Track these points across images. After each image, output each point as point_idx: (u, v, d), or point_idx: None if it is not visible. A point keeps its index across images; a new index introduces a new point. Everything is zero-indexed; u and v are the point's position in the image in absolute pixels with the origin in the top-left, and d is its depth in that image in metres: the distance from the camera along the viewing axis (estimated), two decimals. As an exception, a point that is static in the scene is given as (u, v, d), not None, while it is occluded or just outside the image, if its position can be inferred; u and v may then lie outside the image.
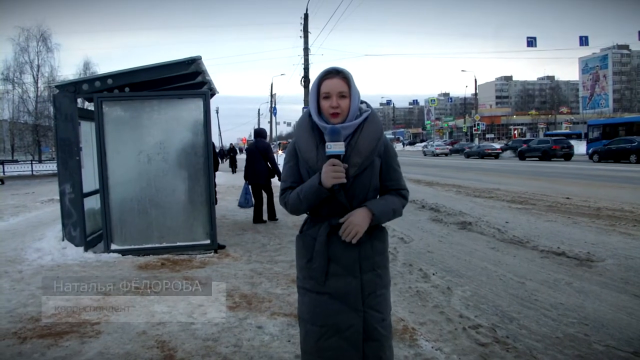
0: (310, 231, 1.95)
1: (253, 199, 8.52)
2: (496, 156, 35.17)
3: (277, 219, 8.56)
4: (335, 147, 1.80)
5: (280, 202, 2.02)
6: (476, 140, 52.14)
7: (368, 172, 1.88)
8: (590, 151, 27.08)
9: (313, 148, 1.88)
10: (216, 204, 6.44)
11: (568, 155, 28.37)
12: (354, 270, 1.89)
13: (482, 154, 36.12)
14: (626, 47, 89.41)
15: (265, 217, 8.57)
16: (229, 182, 18.27)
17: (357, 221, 1.84)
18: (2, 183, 22.15)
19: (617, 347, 3.15)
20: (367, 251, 1.90)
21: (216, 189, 6.62)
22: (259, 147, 8.60)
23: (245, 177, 8.76)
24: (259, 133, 9.21)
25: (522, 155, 31.61)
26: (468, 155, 37.83)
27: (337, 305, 1.88)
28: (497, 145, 40.08)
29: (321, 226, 1.90)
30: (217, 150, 24.18)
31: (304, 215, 2.03)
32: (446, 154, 45.16)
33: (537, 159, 29.55)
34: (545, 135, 46.99)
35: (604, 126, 30.34)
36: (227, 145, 26.09)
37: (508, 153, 36.51)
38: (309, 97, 1.94)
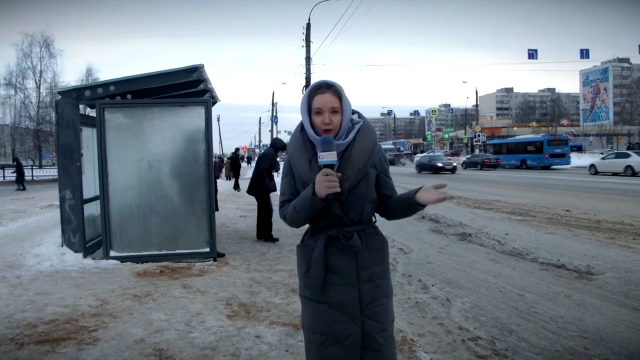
0: (310, 241, 1.96)
1: None
2: (404, 164, 49.23)
3: (275, 240, 7.45)
4: (328, 156, 1.78)
5: (279, 215, 2.02)
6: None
7: (363, 183, 1.88)
8: (462, 162, 38.90)
9: (306, 162, 1.88)
10: (217, 210, 6.44)
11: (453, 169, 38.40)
12: (352, 280, 1.88)
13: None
14: (627, 60, 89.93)
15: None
16: (231, 190, 18.25)
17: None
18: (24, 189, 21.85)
19: (616, 362, 3.14)
20: (364, 261, 1.90)
21: (217, 196, 6.61)
22: None
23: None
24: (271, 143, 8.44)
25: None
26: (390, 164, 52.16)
27: (336, 314, 1.87)
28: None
29: (319, 236, 1.91)
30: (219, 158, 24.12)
31: (305, 226, 2.04)
32: None
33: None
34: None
35: (494, 145, 43.08)
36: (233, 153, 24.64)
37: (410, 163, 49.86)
38: (301, 111, 1.91)
